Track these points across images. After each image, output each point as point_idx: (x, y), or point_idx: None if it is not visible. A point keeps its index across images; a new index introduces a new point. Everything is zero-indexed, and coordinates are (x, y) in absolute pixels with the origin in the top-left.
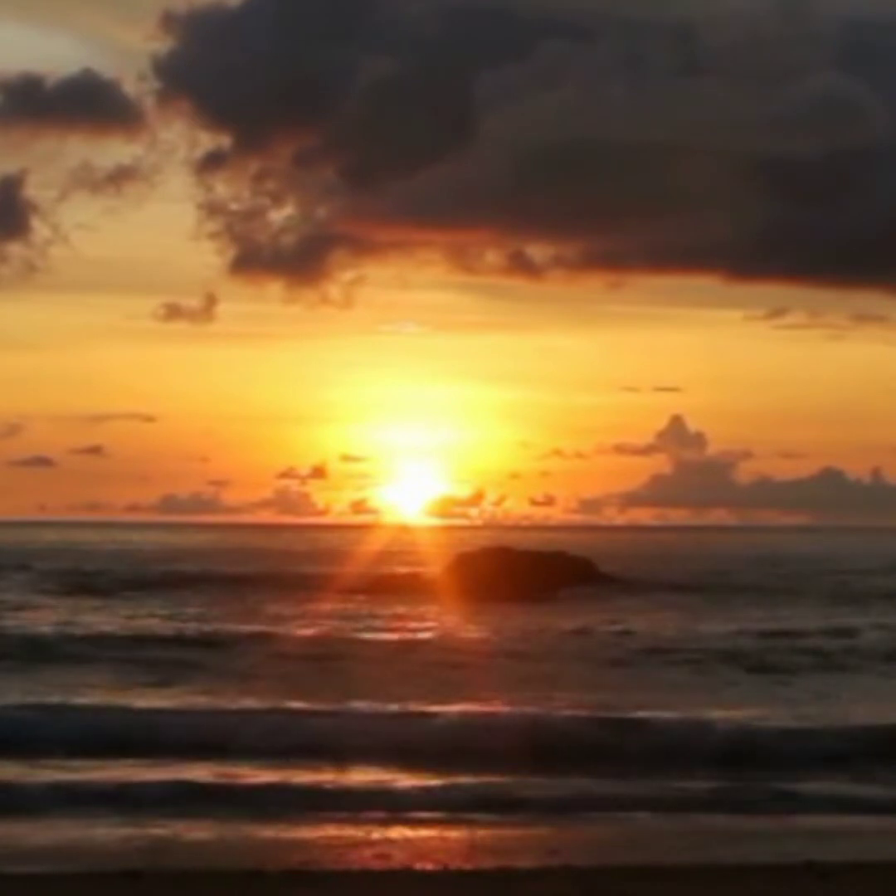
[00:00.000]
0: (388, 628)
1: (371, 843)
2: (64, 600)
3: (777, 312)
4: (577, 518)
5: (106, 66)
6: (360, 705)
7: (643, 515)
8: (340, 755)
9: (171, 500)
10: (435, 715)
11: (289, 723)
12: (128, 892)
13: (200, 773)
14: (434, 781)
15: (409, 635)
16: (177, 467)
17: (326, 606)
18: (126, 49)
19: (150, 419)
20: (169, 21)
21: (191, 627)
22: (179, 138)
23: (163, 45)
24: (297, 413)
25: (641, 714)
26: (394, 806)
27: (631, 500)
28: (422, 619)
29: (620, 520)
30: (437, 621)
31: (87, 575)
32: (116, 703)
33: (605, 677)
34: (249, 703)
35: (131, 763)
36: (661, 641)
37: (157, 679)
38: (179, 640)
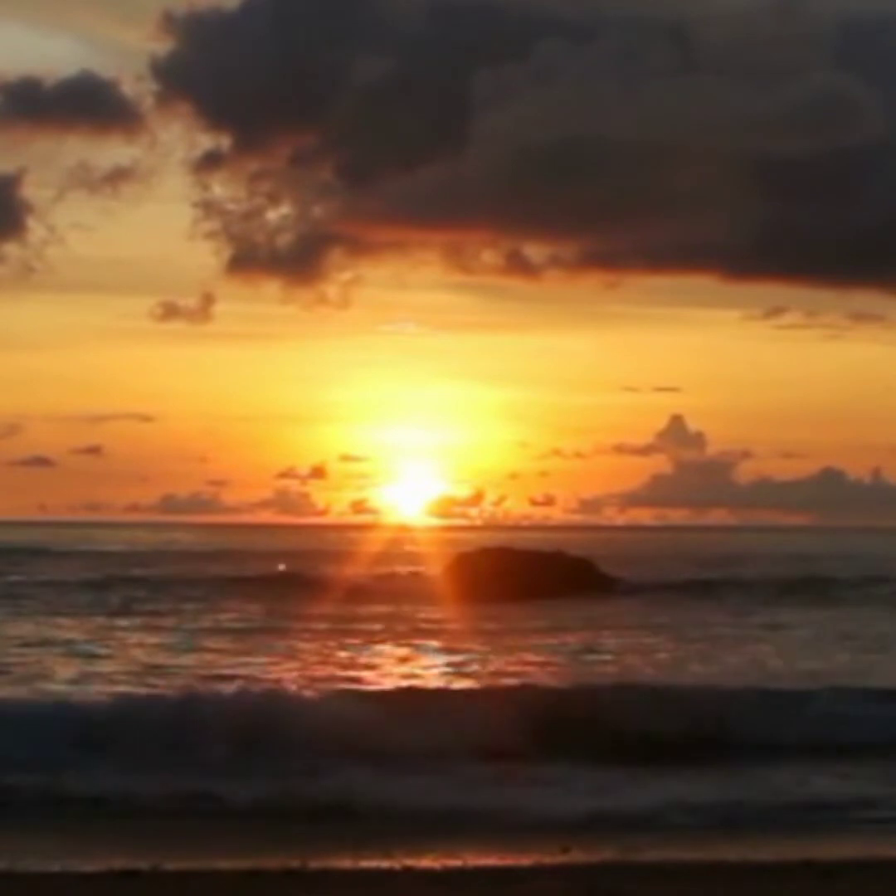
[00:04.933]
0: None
1: (370, 843)
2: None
3: (775, 312)
4: (577, 518)
5: (105, 66)
6: None
7: (643, 515)
8: None
9: (171, 500)
10: None
11: None
12: (128, 891)
13: None
14: None
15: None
16: (176, 467)
17: (315, 612)
18: (125, 50)
19: (148, 419)
20: (168, 22)
21: None
22: (177, 139)
23: (162, 45)
24: (296, 413)
25: None
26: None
27: (631, 500)
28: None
29: (620, 520)
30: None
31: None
32: None
33: None
34: None
35: None
36: None
37: None
38: None
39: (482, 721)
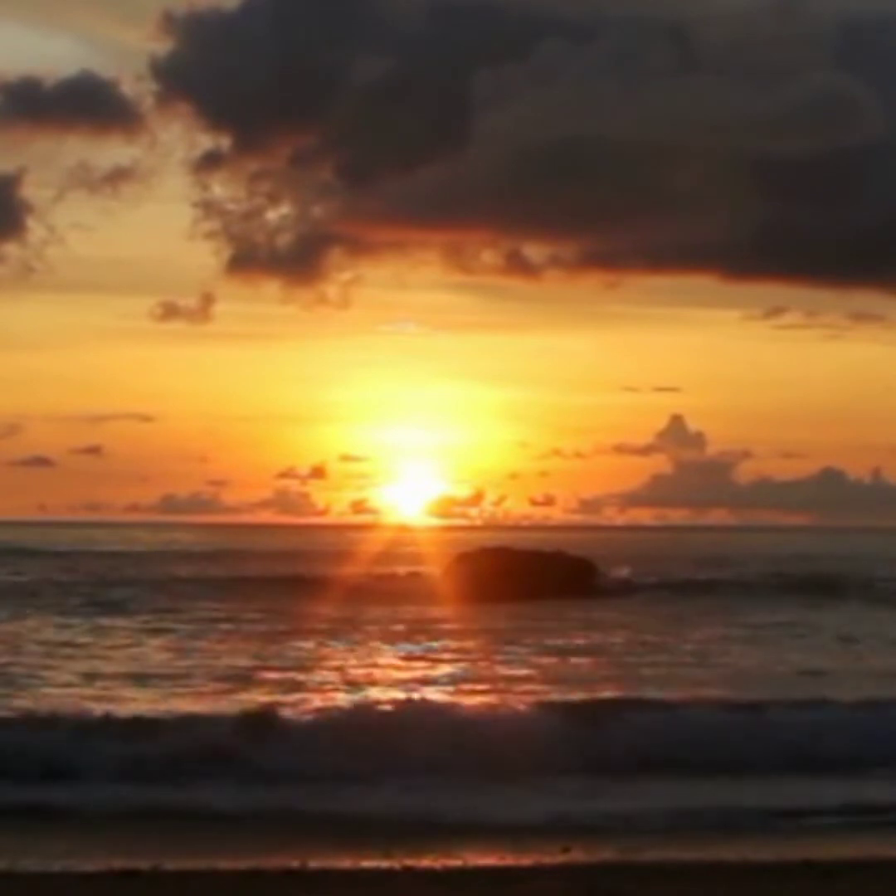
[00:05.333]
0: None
1: (371, 843)
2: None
3: (775, 312)
4: (577, 518)
5: (105, 66)
6: None
7: (643, 515)
8: None
9: (171, 500)
10: None
11: None
12: (128, 891)
13: None
14: None
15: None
16: (176, 467)
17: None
18: (125, 50)
19: (148, 419)
20: (168, 22)
21: None
22: (177, 139)
23: (162, 46)
24: (296, 413)
25: None
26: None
27: (631, 500)
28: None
29: (620, 520)
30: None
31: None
32: None
33: None
34: None
35: None
36: None
37: None
38: None
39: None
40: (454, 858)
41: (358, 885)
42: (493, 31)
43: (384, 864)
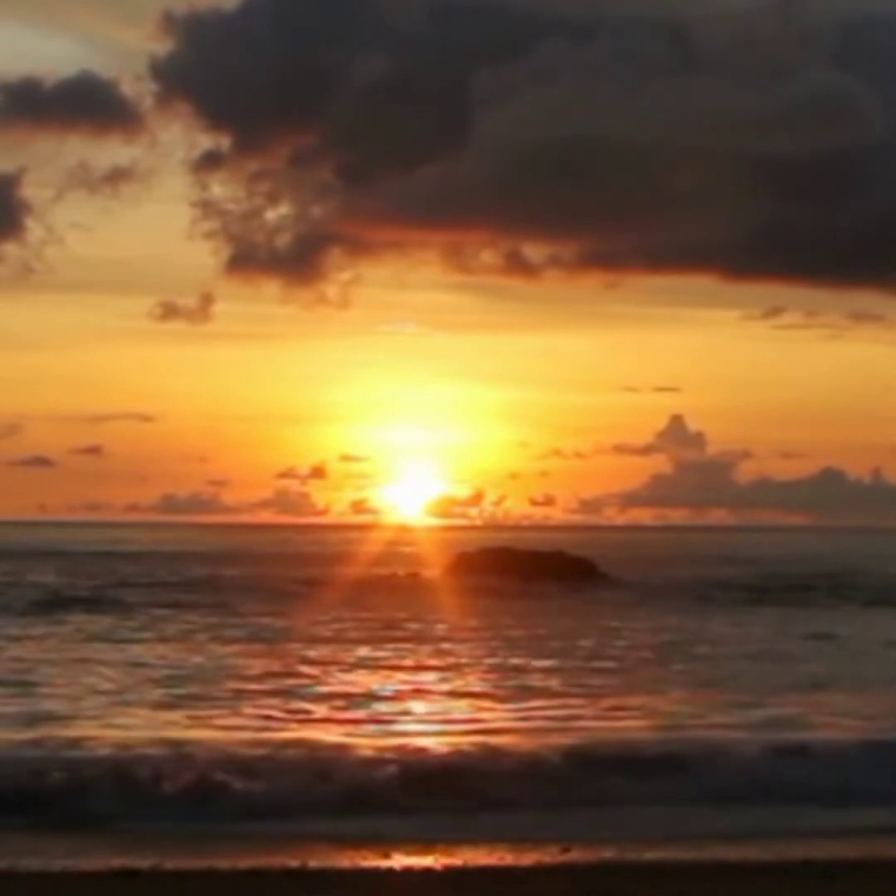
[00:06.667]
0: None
1: (371, 843)
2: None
3: (774, 312)
4: (577, 518)
5: (105, 66)
6: None
7: (643, 515)
8: None
9: (171, 500)
10: None
11: None
12: (127, 891)
13: None
14: None
15: None
16: (176, 467)
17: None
18: (125, 50)
19: (148, 419)
20: (168, 22)
21: None
22: (177, 139)
23: (162, 46)
24: (295, 413)
25: None
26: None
27: (631, 500)
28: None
29: (620, 520)
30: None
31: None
32: None
33: None
34: None
35: None
36: None
37: None
38: None
39: None
40: (454, 858)
41: (358, 885)
42: (493, 31)
43: (384, 864)
